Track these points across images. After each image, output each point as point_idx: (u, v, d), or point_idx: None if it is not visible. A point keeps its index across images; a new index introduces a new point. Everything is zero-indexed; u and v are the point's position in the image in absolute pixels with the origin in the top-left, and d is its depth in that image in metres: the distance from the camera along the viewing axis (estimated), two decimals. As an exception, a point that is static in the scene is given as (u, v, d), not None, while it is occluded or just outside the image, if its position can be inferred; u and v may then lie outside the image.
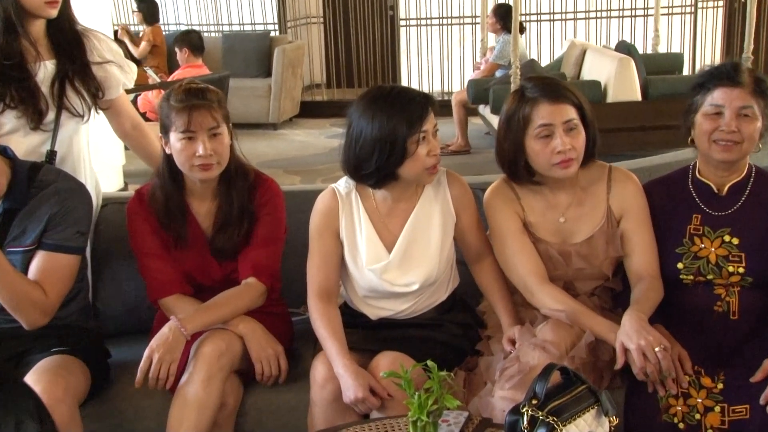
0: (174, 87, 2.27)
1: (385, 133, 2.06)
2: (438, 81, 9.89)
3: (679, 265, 2.19)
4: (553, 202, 2.27)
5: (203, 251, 2.34)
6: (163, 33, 8.76)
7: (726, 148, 2.13)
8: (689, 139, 2.23)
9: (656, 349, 1.97)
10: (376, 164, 2.09)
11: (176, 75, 6.94)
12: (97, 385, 2.25)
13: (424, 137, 2.09)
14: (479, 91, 7.04)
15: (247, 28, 10.03)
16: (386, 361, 2.09)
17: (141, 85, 6.58)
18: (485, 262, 2.34)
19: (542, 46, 9.73)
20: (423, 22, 10.02)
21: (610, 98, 6.08)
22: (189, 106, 2.19)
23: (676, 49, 9.26)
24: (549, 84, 2.21)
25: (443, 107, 7.37)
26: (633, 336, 1.99)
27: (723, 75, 2.14)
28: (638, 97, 6.11)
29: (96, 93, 2.42)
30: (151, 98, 6.65)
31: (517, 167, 2.21)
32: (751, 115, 2.12)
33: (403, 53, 10.21)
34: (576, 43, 7.67)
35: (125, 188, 5.62)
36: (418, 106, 2.09)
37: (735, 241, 2.17)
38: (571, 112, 2.15)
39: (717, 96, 2.13)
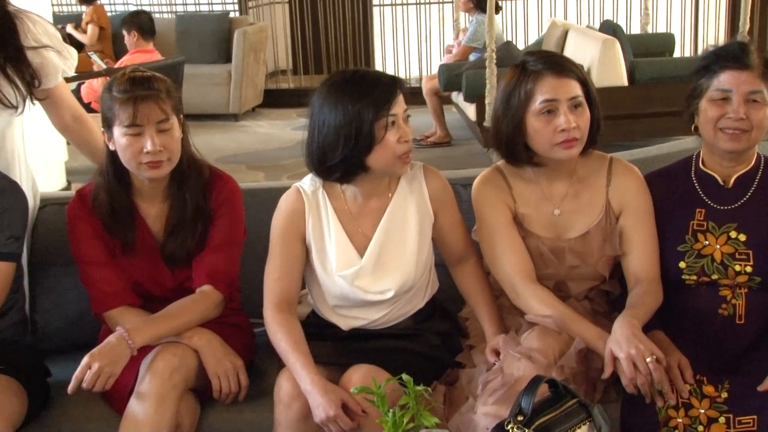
0: (116, 76, 2.24)
1: (350, 118, 2.06)
2: (415, 66, 9.89)
3: (681, 264, 2.20)
4: (548, 193, 2.28)
5: (153, 257, 2.33)
6: (108, 14, 8.70)
7: (733, 136, 2.14)
8: (692, 127, 2.24)
9: (647, 360, 1.97)
10: (342, 154, 2.08)
11: (124, 61, 6.90)
12: (35, 408, 2.23)
13: (393, 122, 2.09)
14: (451, 77, 7.00)
15: (204, 8, 9.99)
16: (358, 375, 2.08)
17: (84, 73, 6.53)
18: (467, 264, 2.34)
19: (529, 25, 9.72)
20: (398, 1, 10.03)
21: (594, 83, 6.10)
22: (134, 98, 2.16)
23: (676, 30, 9.32)
24: (553, 57, 2.23)
25: (420, 95, 7.37)
26: (623, 344, 1.99)
27: (729, 56, 2.15)
28: (624, 81, 6.14)
29: (31, 81, 2.39)
30: (96, 87, 6.59)
31: (514, 148, 2.21)
32: (761, 100, 2.13)
33: (376, 36, 10.21)
34: (557, 23, 7.70)
35: (68, 187, 5.58)
36: (385, 88, 2.09)
37: (742, 237, 2.18)
38: (577, 89, 2.17)
39: (723, 80, 2.14)
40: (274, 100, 9.32)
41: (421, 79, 9.44)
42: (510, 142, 2.21)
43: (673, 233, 2.24)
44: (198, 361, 2.21)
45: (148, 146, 2.17)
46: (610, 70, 6.07)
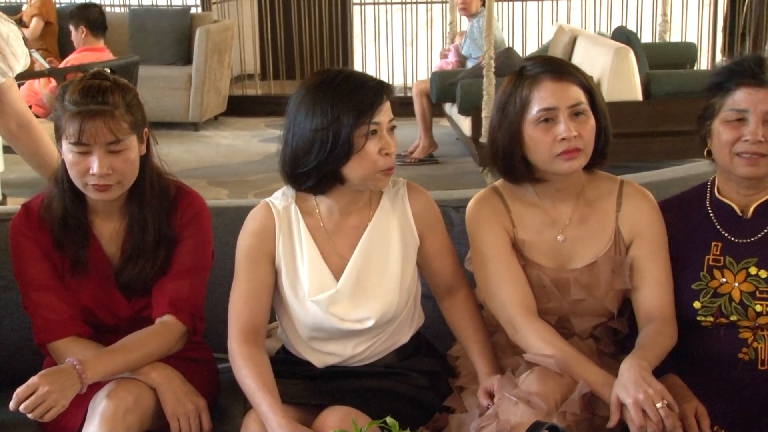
0: (74, 80, 2.23)
1: (328, 122, 2.10)
2: (399, 74, 9.91)
3: (696, 304, 2.22)
4: (551, 217, 2.30)
5: (107, 283, 2.33)
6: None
7: (752, 161, 2.16)
8: (705, 151, 2.27)
9: (658, 405, 1.98)
10: (316, 160, 2.12)
11: (71, 60, 6.88)
12: (-31, 452, 2.22)
13: (376, 131, 2.13)
14: (444, 86, 7.01)
15: (162, 2, 9.99)
16: (335, 418, 2.09)
17: (23, 72, 6.51)
18: (458, 295, 2.36)
19: (527, 30, 9.70)
20: (382, 0, 10.07)
21: (605, 97, 6.14)
22: (82, 113, 2.15)
23: (692, 38, 9.39)
24: (554, 60, 2.27)
25: (405, 105, 7.40)
26: (630, 388, 2.00)
27: (745, 72, 2.17)
28: (638, 96, 6.19)
29: None
30: (38, 88, 6.60)
31: (512, 162, 2.24)
32: None
33: (356, 38, 10.25)
34: (564, 28, 7.73)
35: (3, 201, 5.55)
36: (370, 93, 2.13)
37: (763, 273, 2.20)
38: (579, 95, 2.20)
39: (739, 98, 2.16)
40: (240, 107, 9.33)
41: (405, 87, 9.48)
42: (507, 156, 2.24)
43: (687, 269, 2.26)
44: (155, 400, 2.21)
45: (95, 168, 2.17)
46: (623, 82, 6.12)
